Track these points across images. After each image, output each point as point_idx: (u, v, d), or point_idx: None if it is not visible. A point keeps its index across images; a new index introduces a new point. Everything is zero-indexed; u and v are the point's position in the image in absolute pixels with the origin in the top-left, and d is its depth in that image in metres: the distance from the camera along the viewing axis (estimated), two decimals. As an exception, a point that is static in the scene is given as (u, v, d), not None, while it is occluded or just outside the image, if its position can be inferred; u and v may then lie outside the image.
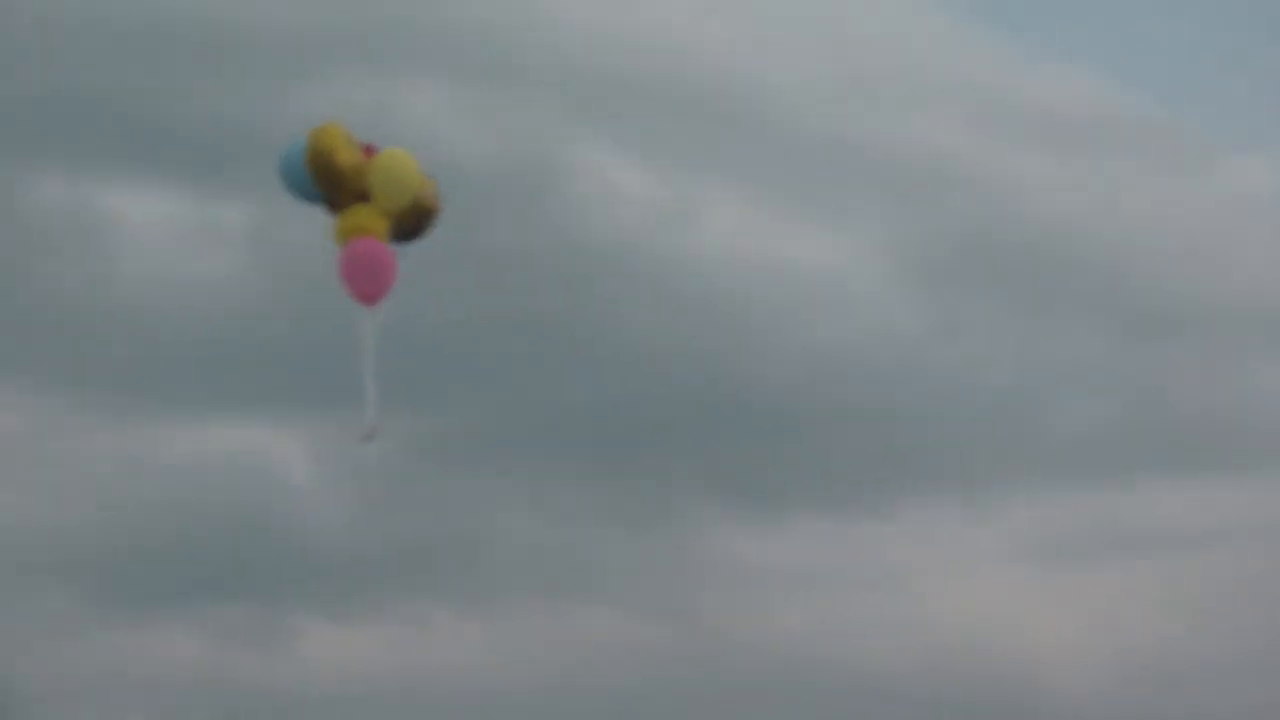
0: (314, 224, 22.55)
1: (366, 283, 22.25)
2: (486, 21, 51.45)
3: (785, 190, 53.88)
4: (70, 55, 49.05)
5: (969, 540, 49.14)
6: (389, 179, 22.01)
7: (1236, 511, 48.88)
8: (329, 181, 21.82)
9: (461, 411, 49.62)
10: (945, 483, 49.44)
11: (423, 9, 51.62)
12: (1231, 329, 51.72)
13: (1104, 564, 48.99)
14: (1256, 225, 54.83)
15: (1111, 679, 46.83)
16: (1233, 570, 47.77)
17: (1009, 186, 53.19)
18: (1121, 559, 49.00)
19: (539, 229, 50.55)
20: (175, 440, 49.48)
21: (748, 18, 55.81)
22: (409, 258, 50.94)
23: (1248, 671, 45.57)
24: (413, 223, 22.42)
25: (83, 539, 46.89)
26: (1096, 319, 52.08)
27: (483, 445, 49.29)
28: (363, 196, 22.07)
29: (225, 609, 47.35)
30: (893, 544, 48.54)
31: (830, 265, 52.61)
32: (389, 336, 49.39)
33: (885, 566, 48.15)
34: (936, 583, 48.25)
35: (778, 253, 52.31)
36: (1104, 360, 51.25)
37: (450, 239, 51.01)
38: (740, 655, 45.90)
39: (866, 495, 49.02)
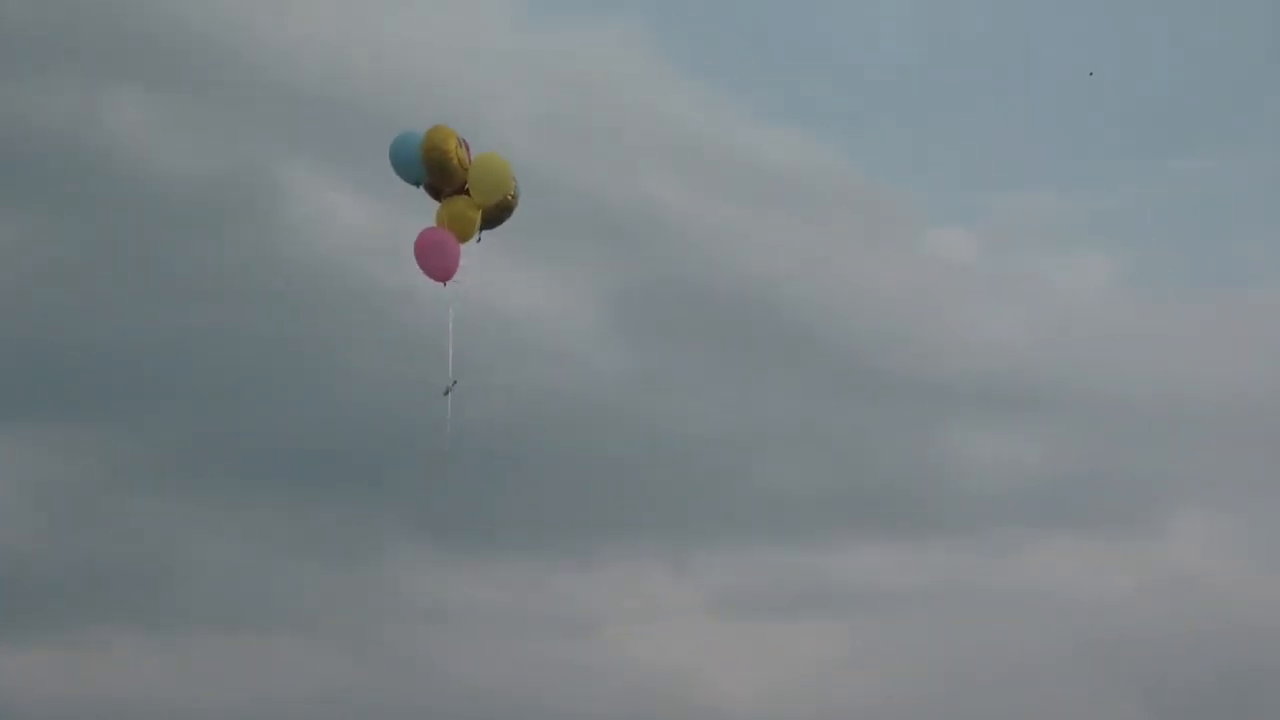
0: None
1: (433, 261, 26.76)
2: (206, 34, 50.45)
3: (498, 232, 53.45)
4: None
5: (667, 590, 49.34)
6: (488, 178, 26.31)
7: (930, 574, 49.87)
8: (440, 174, 26.25)
9: (159, 432, 48.36)
10: (646, 532, 49.57)
11: (137, 15, 50.48)
12: (932, 396, 52.76)
13: (799, 620, 49.54)
14: (958, 295, 56.28)
15: (801, 734, 47.37)
16: (924, 632, 48.68)
17: (722, 241, 53.66)
18: (817, 616, 49.63)
19: (251, 250, 49.55)
20: None
21: (471, 59, 55.63)
22: (117, 272, 49.44)
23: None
24: (496, 214, 26.60)
25: None
26: (802, 378, 52.69)
27: (179, 468, 48.08)
28: (462, 188, 26.44)
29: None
30: (592, 590, 48.57)
31: (540, 310, 52.41)
32: (82, 351, 48.13)
33: (583, 612, 48.14)
34: (633, 631, 48.33)
35: (491, 292, 51.84)
36: (807, 419, 51.85)
37: (160, 255, 50.04)
38: (434, 694, 45.49)
39: (568, 541, 48.92)
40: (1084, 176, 59.33)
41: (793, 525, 50.21)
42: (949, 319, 55.08)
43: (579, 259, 54.14)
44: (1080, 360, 54.08)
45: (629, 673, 46.97)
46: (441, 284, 26.96)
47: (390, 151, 26.61)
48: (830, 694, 47.50)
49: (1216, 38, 59.17)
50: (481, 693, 45.74)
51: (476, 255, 27.67)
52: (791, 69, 59.56)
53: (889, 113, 59.58)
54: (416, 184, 26.68)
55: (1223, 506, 52.31)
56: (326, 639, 46.97)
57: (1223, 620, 49.03)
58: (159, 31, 50.45)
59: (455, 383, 27.16)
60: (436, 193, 26.64)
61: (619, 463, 49.73)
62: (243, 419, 48.08)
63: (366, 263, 50.84)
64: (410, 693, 45.51)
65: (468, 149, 26.41)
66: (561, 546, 48.81)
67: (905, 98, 60.05)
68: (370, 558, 48.12)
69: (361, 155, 52.07)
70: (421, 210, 53.27)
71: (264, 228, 50.31)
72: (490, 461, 48.84)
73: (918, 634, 48.54)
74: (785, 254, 54.25)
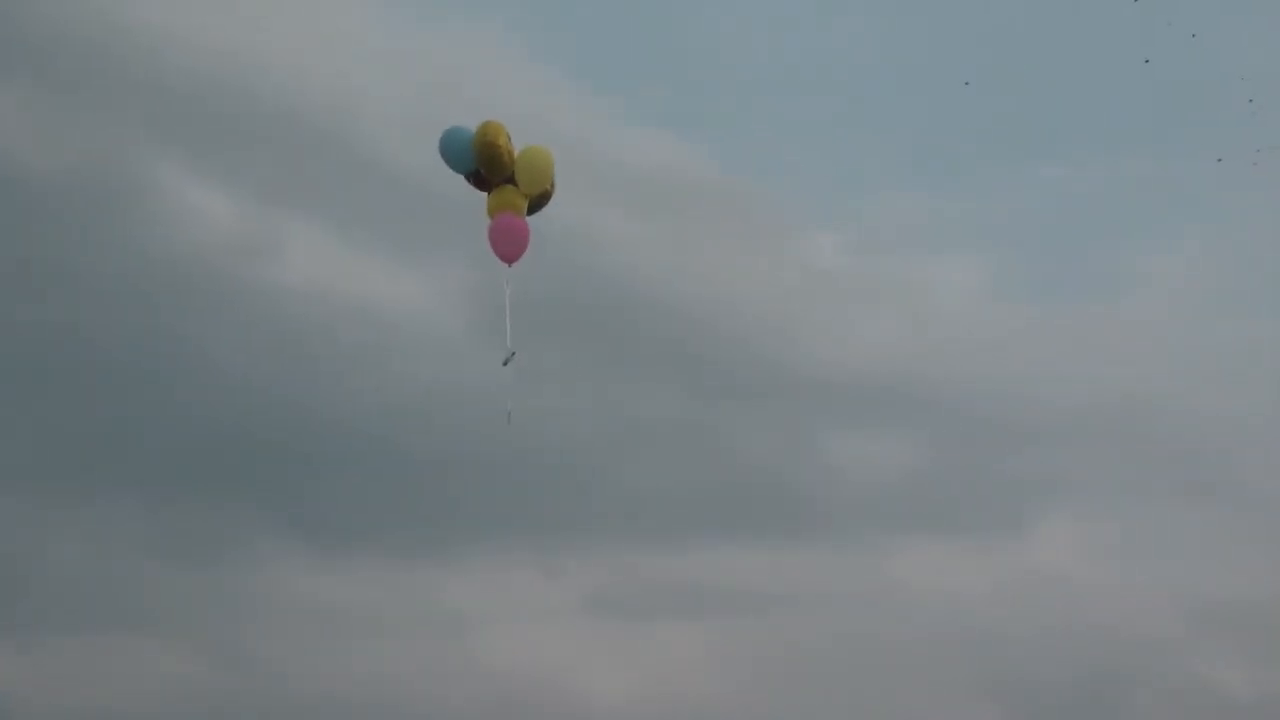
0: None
1: (508, 247, 29.19)
2: (66, 25, 49.75)
3: (368, 227, 53.25)
4: None
5: (534, 591, 49.09)
6: (533, 169, 29.00)
7: (798, 577, 49.91)
8: (491, 165, 28.79)
9: (12, 428, 47.50)
10: (514, 532, 49.27)
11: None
12: (800, 399, 52.88)
13: (668, 621, 49.49)
14: (828, 298, 56.49)
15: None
16: (793, 633, 48.77)
17: (591, 241, 53.45)
18: (686, 617, 49.56)
19: (111, 245, 48.98)
20: None
21: (343, 52, 55.25)
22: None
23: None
24: (538, 201, 29.31)
25: None
26: (671, 379, 52.63)
27: (35, 466, 47.23)
28: (509, 179, 28.99)
29: None
30: (458, 590, 48.30)
31: (409, 307, 52.06)
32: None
33: (449, 613, 47.83)
34: (500, 632, 48.11)
35: (358, 290, 51.59)
36: (676, 420, 51.81)
37: (18, 248, 49.13)
38: (298, 697, 44.96)
39: (434, 540, 48.64)
40: (953, 181, 59.81)
41: (661, 526, 50.21)
42: (818, 322, 55.41)
43: (450, 255, 53.86)
44: (947, 364, 54.46)
45: (496, 674, 46.80)
46: (508, 264, 29.41)
47: (441, 142, 29.10)
48: (699, 694, 47.53)
49: (1082, 46, 59.86)
50: (345, 695, 45.39)
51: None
52: (661, 70, 59.54)
53: (760, 115, 59.75)
54: (463, 173, 29.19)
55: (1086, 511, 52.91)
56: (184, 640, 46.43)
57: (1086, 623, 49.56)
58: (19, 22, 49.76)
59: (514, 353, 29.51)
60: (481, 181, 29.21)
61: (487, 461, 49.46)
62: (102, 416, 47.51)
63: (231, 258, 50.42)
64: (272, 695, 45.12)
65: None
66: (427, 546, 48.60)
67: (776, 100, 60.26)
68: (231, 557, 47.69)
69: (227, 151, 51.81)
70: (286, 205, 52.94)
71: (126, 222, 49.81)
72: (356, 458, 48.71)
73: (787, 635, 48.70)
74: (655, 256, 54.22)
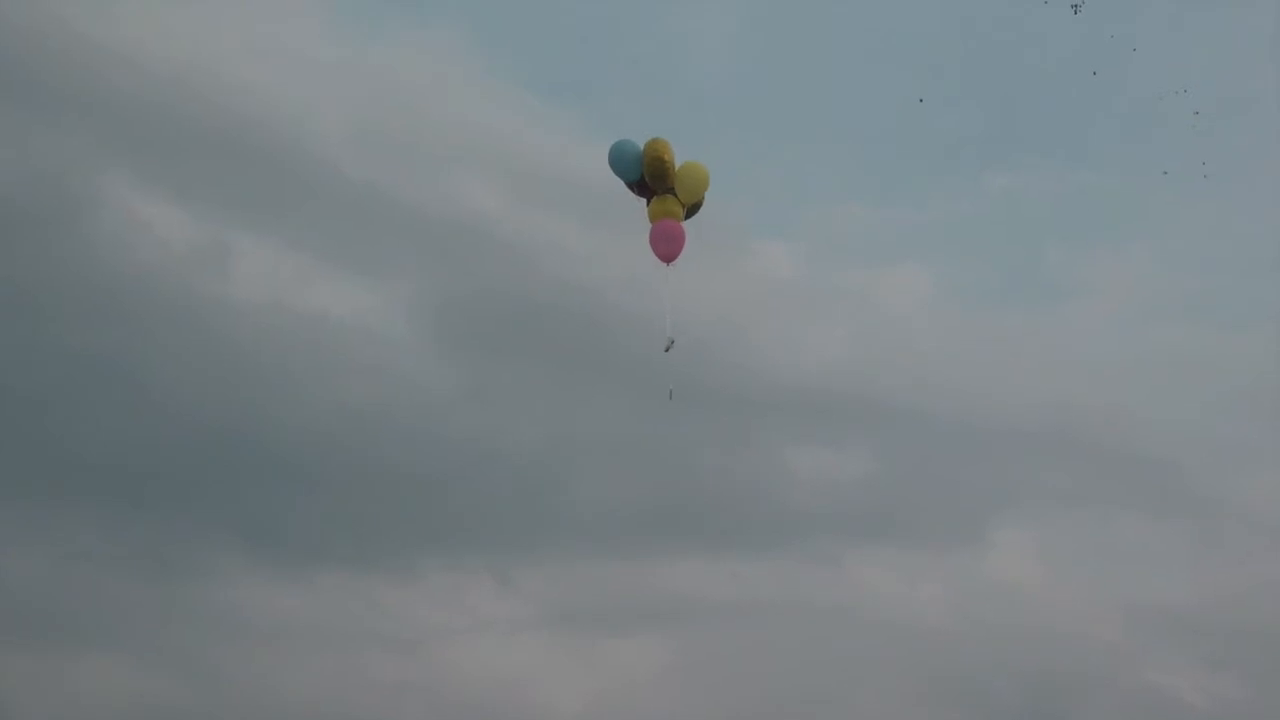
0: None
1: (667, 248, 34.08)
2: (23, 39, 49.61)
3: (319, 240, 53.22)
4: None
5: (491, 604, 49.06)
6: (692, 182, 33.93)
7: (752, 587, 50.08)
8: (657, 177, 33.56)
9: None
10: (470, 546, 49.29)
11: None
12: (754, 409, 52.92)
13: (622, 633, 49.52)
14: (781, 308, 56.57)
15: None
16: (747, 643, 48.77)
17: (543, 254, 53.54)
18: (640, 629, 49.64)
19: (62, 260, 48.79)
20: None
21: (292, 70, 55.25)
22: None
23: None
24: (691, 210, 34.45)
25: None
26: (624, 391, 52.54)
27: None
28: (670, 188, 33.88)
29: None
30: (415, 604, 48.24)
31: (363, 320, 51.99)
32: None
33: (406, 626, 47.79)
34: (456, 644, 48.06)
35: (310, 304, 51.50)
36: (630, 432, 51.78)
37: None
38: (256, 712, 44.77)
39: (390, 555, 48.52)
40: (905, 192, 60.18)
41: (616, 538, 50.29)
42: (772, 332, 55.46)
43: (403, 268, 53.85)
44: (900, 373, 54.70)
45: (453, 686, 46.80)
46: (666, 264, 34.27)
47: (612, 153, 33.80)
48: (654, 705, 47.55)
49: (1028, 62, 60.36)
50: (305, 709, 45.26)
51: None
52: (615, 83, 59.74)
53: (714, 127, 59.89)
54: (627, 181, 33.77)
55: (1040, 519, 53.11)
56: (143, 655, 46.29)
57: (1039, 630, 49.81)
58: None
59: (673, 341, 34.43)
60: (642, 189, 33.91)
61: (442, 476, 49.43)
62: (56, 430, 47.26)
63: (183, 273, 50.26)
64: (232, 710, 44.90)
65: None
66: (384, 561, 48.49)
67: (730, 112, 60.44)
68: (189, 572, 47.49)
69: (176, 165, 51.69)
70: (236, 219, 52.72)
71: (77, 238, 49.63)
72: (311, 473, 48.58)
73: (741, 646, 48.74)
74: (606, 266, 54.19)
